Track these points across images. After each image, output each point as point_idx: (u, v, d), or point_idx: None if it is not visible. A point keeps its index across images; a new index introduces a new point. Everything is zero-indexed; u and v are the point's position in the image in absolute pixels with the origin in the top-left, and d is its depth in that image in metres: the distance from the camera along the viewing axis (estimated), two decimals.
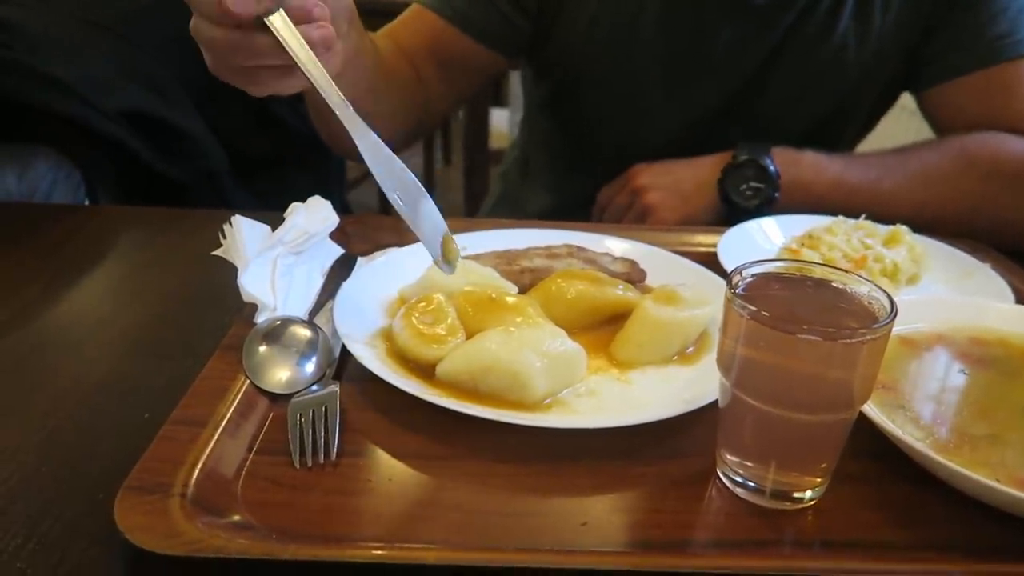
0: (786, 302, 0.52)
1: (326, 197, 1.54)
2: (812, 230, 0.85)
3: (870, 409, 0.55)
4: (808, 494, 0.53)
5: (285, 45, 0.64)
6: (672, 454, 0.59)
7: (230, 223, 0.71)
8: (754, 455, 0.53)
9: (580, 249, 0.84)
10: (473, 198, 2.45)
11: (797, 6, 1.02)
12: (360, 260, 0.84)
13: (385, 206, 3.45)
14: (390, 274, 0.80)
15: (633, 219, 1.03)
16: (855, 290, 0.52)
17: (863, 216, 0.90)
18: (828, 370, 0.48)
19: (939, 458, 0.51)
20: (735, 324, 0.49)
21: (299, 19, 0.64)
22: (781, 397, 0.49)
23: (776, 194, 0.96)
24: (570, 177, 1.24)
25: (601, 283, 0.74)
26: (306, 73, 0.64)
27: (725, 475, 0.54)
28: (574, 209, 1.15)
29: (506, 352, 0.61)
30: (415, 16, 1.11)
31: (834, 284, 0.53)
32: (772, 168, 0.96)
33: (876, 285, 0.51)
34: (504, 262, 0.81)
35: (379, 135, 0.66)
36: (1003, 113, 0.98)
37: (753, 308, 0.48)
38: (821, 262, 0.76)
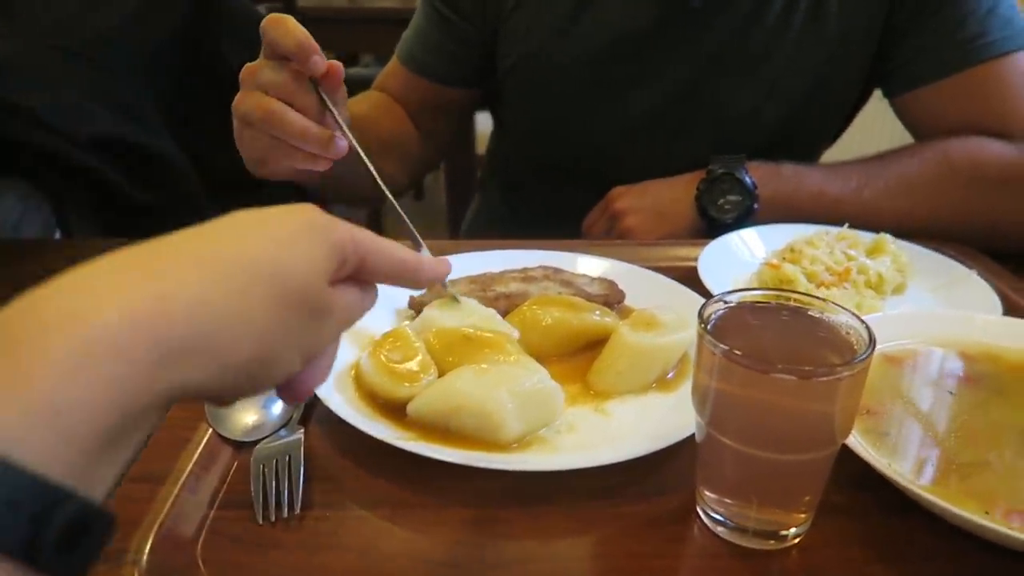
0: (761, 336, 0.50)
1: None
2: (793, 243, 0.83)
3: (854, 440, 0.53)
4: (792, 531, 0.51)
5: (329, 105, 0.72)
6: (651, 491, 0.56)
7: None
8: (734, 493, 0.51)
9: (556, 271, 0.82)
10: (457, 205, 2.43)
11: (740, 10, 1.01)
12: None
13: (375, 216, 3.44)
14: None
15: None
16: (832, 319, 0.50)
17: (846, 225, 0.88)
18: (806, 407, 0.46)
19: (925, 493, 0.49)
20: (708, 360, 0.47)
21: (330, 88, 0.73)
22: (758, 436, 0.47)
23: (755, 206, 0.94)
24: (537, 184, 1.23)
25: (577, 308, 0.72)
26: (347, 135, 0.71)
27: (705, 513, 0.52)
28: (544, 215, 1.16)
29: (478, 392, 0.59)
30: (395, 70, 1.21)
31: (810, 313, 0.51)
32: (748, 180, 0.94)
33: (854, 313, 0.49)
34: (479, 287, 0.79)
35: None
36: (981, 116, 0.96)
37: (724, 346, 0.45)
38: (803, 276, 0.75)
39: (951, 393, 0.62)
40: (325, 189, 1.04)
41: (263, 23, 0.73)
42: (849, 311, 0.49)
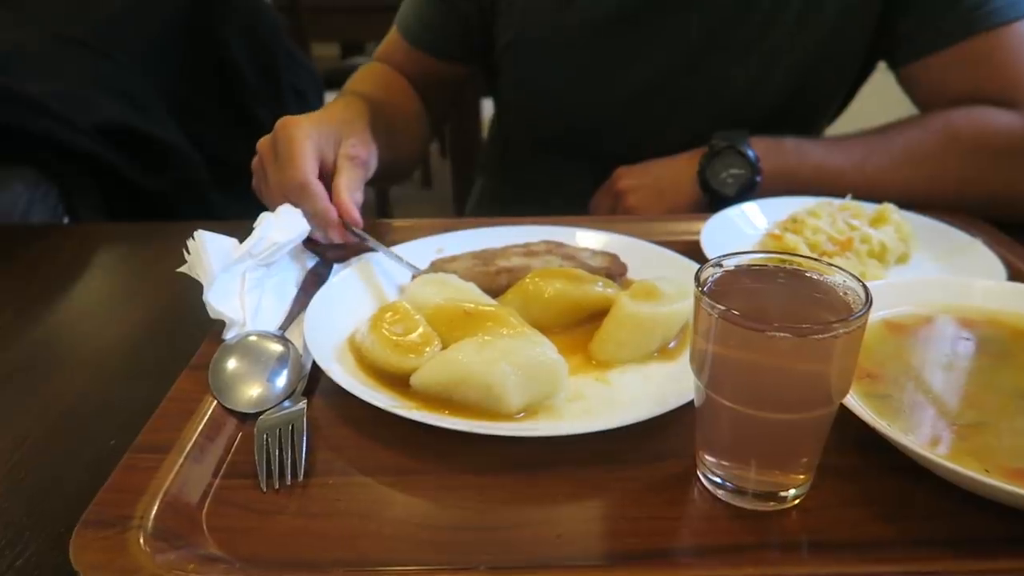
0: (757, 298, 0.50)
1: None
2: (796, 214, 0.83)
3: (853, 401, 0.53)
4: (791, 492, 0.51)
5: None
6: (653, 457, 0.57)
7: (193, 238, 0.69)
8: (733, 455, 0.51)
9: (559, 245, 0.82)
10: (463, 192, 2.44)
11: None
12: (336, 267, 0.82)
13: (383, 204, 3.45)
14: (363, 282, 0.78)
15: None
16: (829, 280, 0.50)
17: (849, 196, 0.88)
18: (802, 367, 0.46)
19: (925, 452, 0.49)
20: (705, 323, 0.47)
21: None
22: (756, 397, 0.47)
23: (757, 178, 0.94)
24: (538, 161, 1.24)
25: (579, 280, 0.72)
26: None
27: (705, 476, 0.53)
28: (546, 193, 1.17)
29: (480, 364, 0.59)
30: (395, 40, 1.23)
31: (807, 275, 0.51)
32: (750, 153, 0.94)
33: (851, 274, 0.48)
34: (481, 262, 0.79)
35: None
36: (986, 85, 0.95)
37: (721, 307, 0.46)
38: (805, 247, 0.75)
39: (951, 357, 0.62)
40: None
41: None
42: (846, 271, 0.49)
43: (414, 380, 0.61)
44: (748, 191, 0.94)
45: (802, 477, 0.51)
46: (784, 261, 0.51)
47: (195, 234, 0.69)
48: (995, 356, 0.62)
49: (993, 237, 0.86)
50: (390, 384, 0.63)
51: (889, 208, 0.84)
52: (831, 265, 0.49)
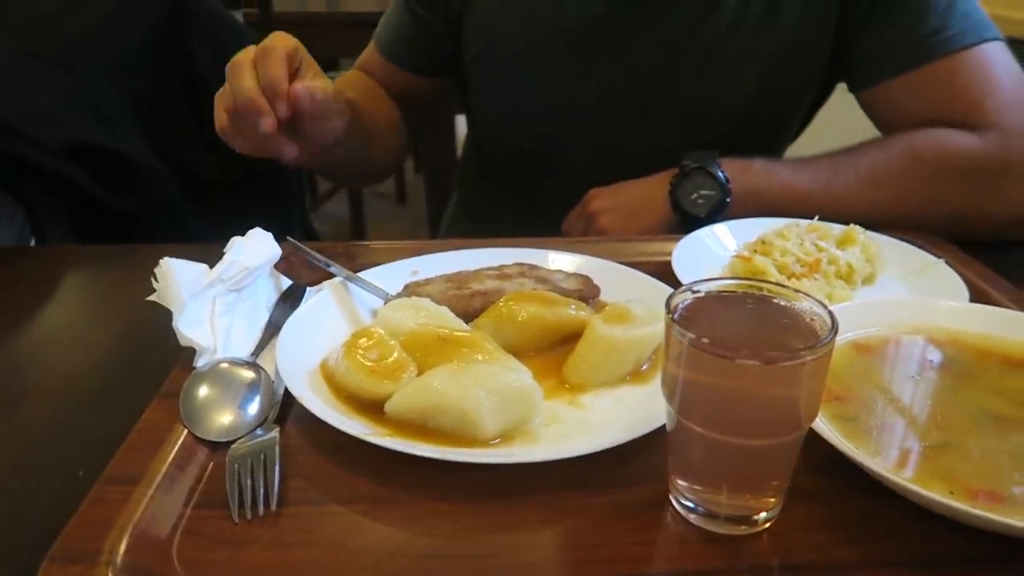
0: (727, 324, 0.51)
1: (286, 217, 1.53)
2: (764, 235, 0.84)
3: (822, 425, 0.54)
4: (763, 516, 0.52)
5: None
6: (626, 481, 0.57)
7: (160, 266, 0.68)
8: (704, 480, 0.51)
9: (532, 268, 0.83)
10: (437, 209, 2.44)
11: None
12: (309, 291, 0.82)
13: (357, 221, 3.44)
14: (337, 306, 0.78)
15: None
16: (797, 306, 0.51)
17: (816, 217, 0.89)
18: (771, 393, 0.47)
19: (891, 475, 0.50)
20: (676, 349, 0.48)
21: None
22: (726, 423, 0.48)
23: (727, 199, 0.96)
24: (510, 172, 1.26)
25: (552, 304, 0.73)
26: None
27: (677, 501, 0.53)
28: (521, 204, 1.20)
29: (455, 390, 0.59)
30: (372, 53, 1.26)
31: (775, 301, 0.51)
32: (720, 174, 0.96)
33: (817, 300, 0.49)
34: (455, 286, 0.79)
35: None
36: (944, 108, 0.97)
37: (691, 334, 0.46)
38: (773, 268, 0.76)
39: (917, 378, 0.63)
40: (312, 168, 1.08)
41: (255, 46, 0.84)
42: (813, 298, 0.50)
43: (389, 407, 0.61)
44: (719, 211, 0.96)
45: (772, 500, 0.52)
46: (753, 287, 0.52)
47: (161, 262, 0.68)
48: (960, 376, 0.64)
49: (957, 257, 0.88)
50: (364, 411, 0.63)
51: (855, 229, 0.86)
52: (798, 292, 0.50)
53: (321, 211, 3.88)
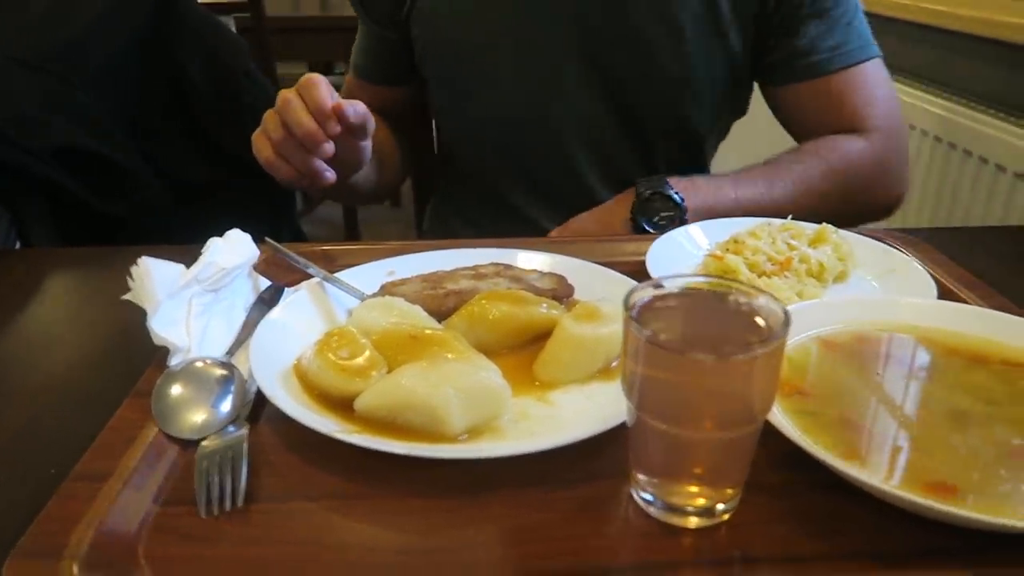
0: (683, 320, 0.52)
1: (275, 221, 1.54)
2: (737, 235, 0.85)
3: (781, 419, 0.55)
4: (720, 507, 0.52)
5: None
6: (592, 475, 0.58)
7: (137, 264, 0.69)
8: (662, 473, 0.52)
9: (507, 267, 0.83)
10: (423, 207, 2.45)
11: None
12: (287, 291, 0.83)
13: (351, 224, 3.45)
14: (313, 306, 0.79)
15: None
16: (753, 303, 0.52)
17: (790, 216, 0.90)
18: (725, 387, 0.48)
19: (847, 468, 0.50)
20: (633, 346, 0.49)
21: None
22: (682, 417, 0.49)
23: (685, 216, 1.01)
24: (478, 164, 1.28)
25: (524, 302, 0.74)
26: None
27: (638, 494, 0.54)
28: (496, 195, 1.24)
29: (424, 387, 0.60)
30: (349, 80, 1.31)
31: (732, 298, 0.52)
32: (676, 195, 1.01)
33: (772, 296, 0.50)
34: (430, 285, 0.80)
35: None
36: (839, 113, 1.11)
37: (647, 331, 0.47)
38: (745, 267, 0.77)
39: (881, 373, 0.64)
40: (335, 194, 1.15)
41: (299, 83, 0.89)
42: (768, 294, 0.51)
43: (358, 404, 0.62)
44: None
45: (731, 493, 0.52)
46: (711, 285, 0.53)
47: (139, 261, 0.69)
48: (924, 372, 0.65)
49: (928, 255, 0.89)
50: (335, 408, 0.63)
51: (828, 229, 0.87)
52: (754, 288, 0.51)
53: (315, 215, 3.90)
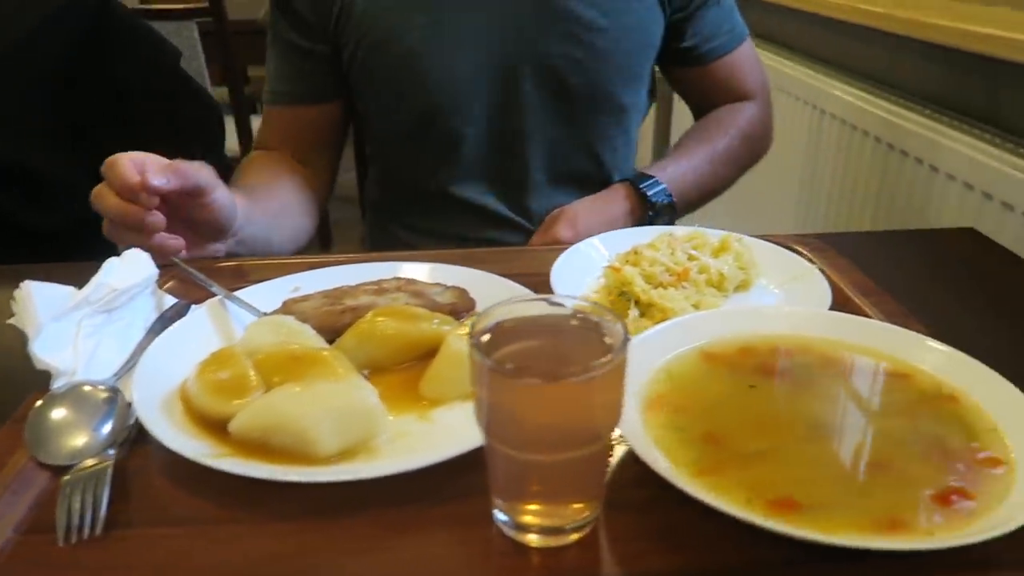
0: (529, 344, 0.52)
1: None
2: (637, 245, 0.85)
3: (638, 436, 0.55)
4: (574, 527, 0.53)
5: None
6: (465, 493, 0.57)
7: (20, 288, 0.69)
8: (511, 494, 0.53)
9: (410, 282, 0.84)
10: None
11: None
12: (193, 308, 0.83)
13: (323, 227, 3.43)
14: (213, 325, 0.79)
15: None
16: (600, 322, 0.52)
17: (696, 226, 0.91)
18: (560, 410, 0.48)
19: (684, 484, 0.51)
20: (476, 371, 0.49)
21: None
22: (524, 440, 0.49)
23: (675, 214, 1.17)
24: (405, 160, 1.29)
25: (415, 319, 0.74)
26: None
27: (496, 515, 0.54)
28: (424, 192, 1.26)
29: (294, 409, 0.60)
30: (268, 118, 1.28)
31: (576, 317, 0.53)
32: (670, 198, 1.15)
33: (614, 314, 0.51)
34: (329, 302, 0.80)
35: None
36: (734, 90, 1.30)
37: (484, 357, 0.47)
38: (640, 278, 0.78)
39: (758, 386, 0.65)
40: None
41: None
42: (612, 312, 0.51)
43: (232, 426, 0.62)
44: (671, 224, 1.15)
45: (584, 512, 0.53)
46: (556, 304, 0.53)
47: (22, 285, 0.69)
48: (799, 384, 0.65)
49: (833, 262, 0.89)
50: (212, 431, 0.63)
51: (731, 237, 0.87)
52: (598, 305, 0.52)
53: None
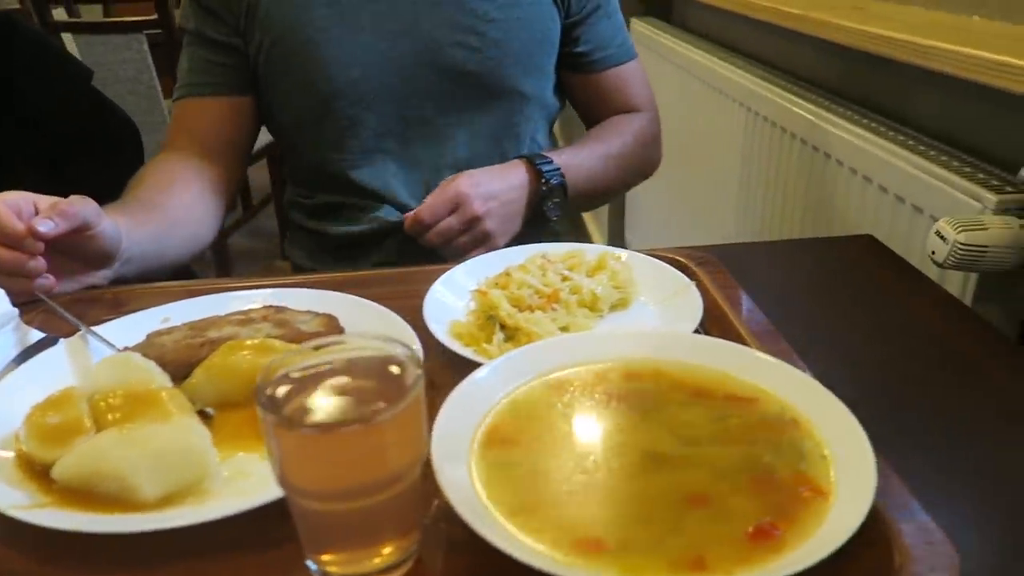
0: (322, 393, 0.50)
1: None
2: (509, 268, 0.84)
3: (453, 474, 0.54)
4: (384, 568, 0.51)
5: None
6: (286, 538, 0.56)
7: None
8: (319, 544, 0.51)
9: (278, 310, 0.82)
10: None
11: None
12: (62, 343, 0.81)
13: (283, 235, 3.42)
14: (71, 362, 0.77)
15: (471, 245, 1.12)
16: (390, 357, 0.51)
17: (573, 246, 0.90)
18: (346, 458, 0.47)
19: (482, 525, 0.49)
20: (263, 424, 0.48)
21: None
22: (318, 492, 0.48)
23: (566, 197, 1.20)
24: (315, 153, 1.28)
25: (268, 351, 0.72)
26: None
27: (307, 563, 0.53)
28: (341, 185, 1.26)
29: (115, 453, 0.59)
30: (178, 113, 1.26)
31: (363, 359, 0.51)
32: (563, 180, 1.19)
33: (410, 348, 0.50)
34: (193, 334, 0.78)
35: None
36: (623, 101, 1.37)
37: (272, 413, 0.46)
38: (506, 302, 0.76)
39: (600, 415, 0.63)
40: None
41: None
42: (407, 347, 0.50)
43: (55, 473, 0.60)
44: (563, 209, 1.20)
45: (394, 554, 0.51)
46: (343, 345, 0.52)
47: None
48: (644, 411, 0.64)
49: (716, 277, 0.88)
50: (39, 478, 0.62)
51: (609, 255, 0.86)
52: (394, 341, 0.50)
53: (251, 225, 3.89)
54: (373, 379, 0.51)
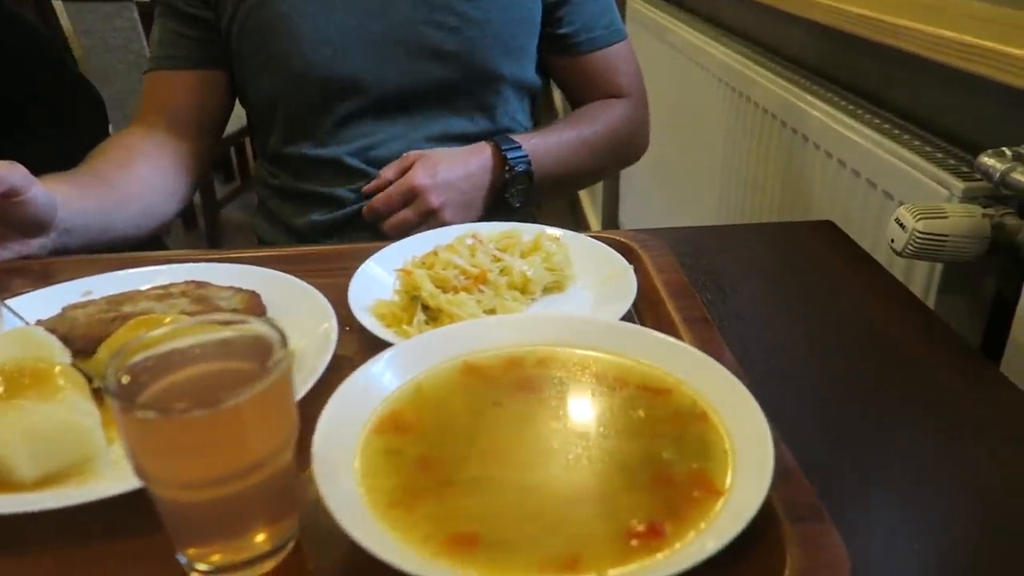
0: (182, 378, 0.48)
1: None
2: (437, 247, 0.81)
3: (324, 461, 0.51)
4: (256, 556, 0.49)
5: None
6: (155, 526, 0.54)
7: None
8: (183, 535, 0.49)
9: (199, 286, 0.80)
10: None
11: None
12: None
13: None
14: None
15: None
16: (259, 337, 0.48)
17: (512, 225, 0.86)
18: (196, 444, 0.44)
19: (348, 518, 0.46)
20: (113, 411, 0.45)
21: None
22: (171, 480, 0.46)
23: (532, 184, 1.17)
24: (290, 134, 1.25)
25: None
26: None
27: (177, 556, 0.50)
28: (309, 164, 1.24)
29: None
30: (150, 85, 1.24)
31: (232, 340, 0.49)
32: (529, 167, 1.15)
33: (275, 326, 0.47)
34: (107, 308, 0.76)
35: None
36: (608, 85, 1.32)
37: (117, 397, 0.43)
38: (429, 282, 0.73)
39: (501, 403, 0.61)
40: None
41: None
42: (275, 327, 0.47)
43: None
44: (527, 196, 1.17)
45: (263, 542, 0.49)
46: (226, 323, 0.49)
47: None
48: (548, 402, 0.61)
49: (658, 260, 0.85)
50: None
51: (545, 236, 0.83)
52: (267, 321, 0.48)
53: (245, 197, 3.86)
54: (239, 360, 0.48)
